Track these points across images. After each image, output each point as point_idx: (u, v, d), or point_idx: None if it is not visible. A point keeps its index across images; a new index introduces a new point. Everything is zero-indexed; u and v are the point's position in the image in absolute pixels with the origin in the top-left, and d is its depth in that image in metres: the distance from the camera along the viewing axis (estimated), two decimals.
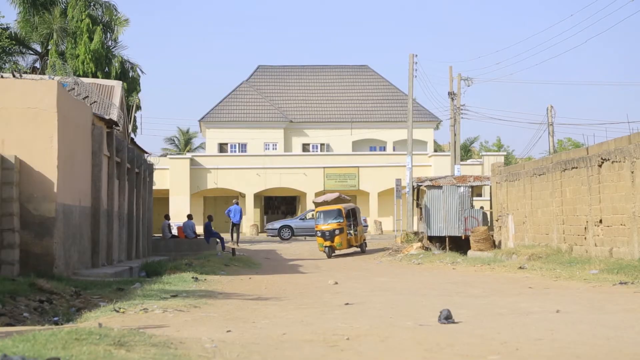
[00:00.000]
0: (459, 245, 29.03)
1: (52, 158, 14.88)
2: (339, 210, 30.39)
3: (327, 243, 29.39)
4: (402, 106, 56.45)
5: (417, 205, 33.65)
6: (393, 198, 41.89)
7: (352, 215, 30.80)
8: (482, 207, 32.66)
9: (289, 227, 40.96)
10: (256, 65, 66.70)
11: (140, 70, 48.40)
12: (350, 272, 20.66)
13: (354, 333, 7.67)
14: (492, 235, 27.33)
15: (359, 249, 31.32)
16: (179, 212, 46.80)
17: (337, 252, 30.07)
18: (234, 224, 32.81)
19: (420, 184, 31.45)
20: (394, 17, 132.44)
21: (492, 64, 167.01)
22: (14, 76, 21.67)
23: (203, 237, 31.00)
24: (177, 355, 6.05)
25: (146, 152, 30.18)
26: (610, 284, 13.87)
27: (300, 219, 42.19)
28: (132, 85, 46.41)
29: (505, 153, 58.79)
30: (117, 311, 9.98)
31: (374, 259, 28.14)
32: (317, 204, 32.14)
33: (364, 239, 32.16)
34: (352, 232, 30.40)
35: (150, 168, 27.95)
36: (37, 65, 46.42)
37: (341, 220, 29.89)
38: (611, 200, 18.09)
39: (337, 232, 29.51)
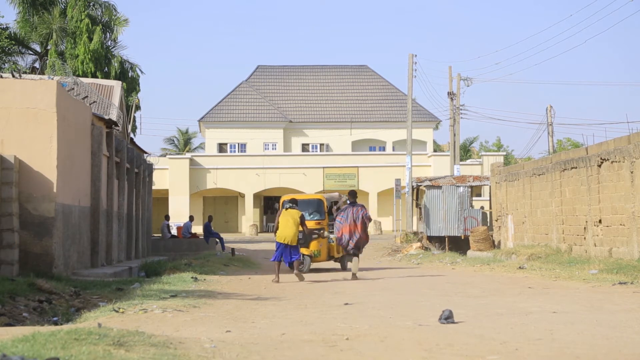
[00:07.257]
0: (459, 245, 29.07)
1: (52, 158, 14.88)
2: (319, 202, 20.53)
3: (303, 250, 18.46)
4: (402, 106, 56.44)
5: (417, 205, 33.66)
6: (392, 198, 41.89)
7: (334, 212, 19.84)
8: (482, 207, 32.68)
9: None
10: (256, 65, 66.75)
11: (140, 70, 48.43)
12: (349, 272, 20.63)
13: (353, 333, 7.67)
14: (492, 235, 27.35)
15: (338, 263, 21.15)
16: (178, 212, 46.84)
17: (314, 266, 20.27)
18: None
19: (419, 184, 31.48)
20: (394, 17, 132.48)
21: (491, 64, 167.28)
22: (13, 76, 21.69)
23: (199, 237, 31.01)
24: (176, 355, 6.05)
25: (146, 152, 30.20)
26: (610, 284, 13.87)
27: None
28: (131, 85, 46.42)
29: (504, 153, 58.83)
30: (117, 311, 9.97)
31: (373, 260, 28.11)
32: None
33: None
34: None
35: (149, 168, 27.95)
36: (37, 65, 46.44)
37: (321, 218, 20.15)
38: (610, 200, 18.10)
39: (314, 234, 19.41)
